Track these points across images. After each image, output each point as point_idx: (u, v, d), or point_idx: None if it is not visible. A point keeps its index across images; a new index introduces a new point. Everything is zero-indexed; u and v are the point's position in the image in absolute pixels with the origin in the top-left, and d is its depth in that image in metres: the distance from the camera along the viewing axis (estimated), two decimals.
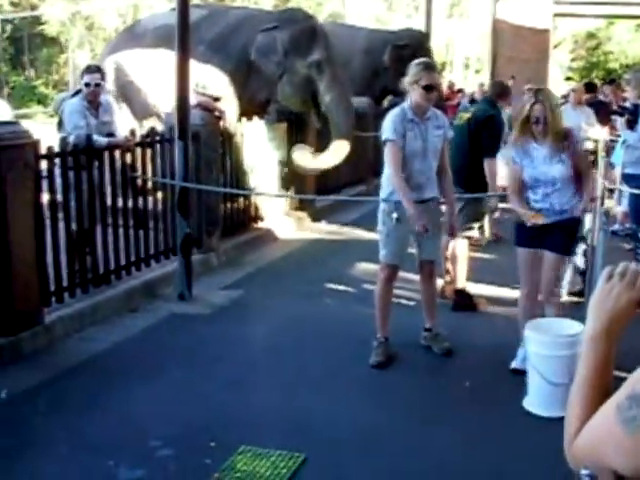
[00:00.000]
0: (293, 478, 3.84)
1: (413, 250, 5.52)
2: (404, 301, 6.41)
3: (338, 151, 9.15)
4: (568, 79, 33.23)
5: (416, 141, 5.18)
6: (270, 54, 9.39)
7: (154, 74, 9.37)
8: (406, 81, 5.25)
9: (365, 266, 7.53)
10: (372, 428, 4.40)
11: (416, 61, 5.39)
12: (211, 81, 8.91)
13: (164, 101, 9.62)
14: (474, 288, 6.72)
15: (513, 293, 6.66)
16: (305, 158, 9.20)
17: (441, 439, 4.30)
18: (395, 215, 5.18)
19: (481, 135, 6.31)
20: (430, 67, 5.26)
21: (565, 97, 12.13)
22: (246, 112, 9.30)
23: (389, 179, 5.26)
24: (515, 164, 5.02)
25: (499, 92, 6.98)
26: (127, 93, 9.48)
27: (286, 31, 9.39)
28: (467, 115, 6.58)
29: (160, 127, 7.99)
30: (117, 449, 4.15)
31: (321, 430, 4.37)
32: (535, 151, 4.91)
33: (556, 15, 23.18)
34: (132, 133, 7.19)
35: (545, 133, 4.83)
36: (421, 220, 5.05)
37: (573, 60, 39.96)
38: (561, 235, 4.95)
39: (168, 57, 9.73)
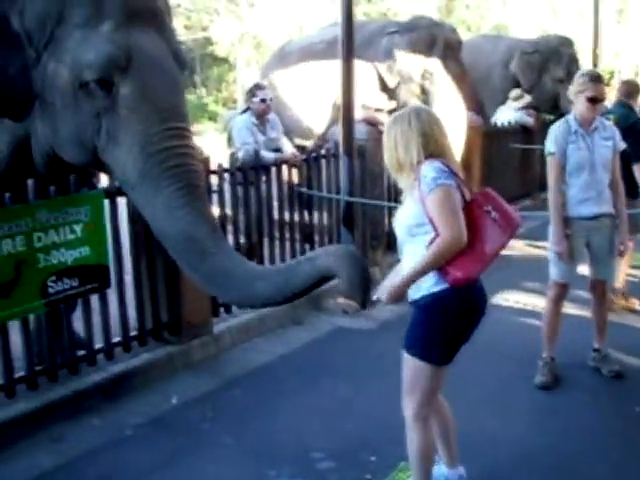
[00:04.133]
0: None
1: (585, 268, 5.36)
2: (572, 320, 6.20)
3: None
4: None
5: (582, 153, 5.02)
6: (388, 59, 9.36)
7: (304, 90, 9.59)
8: (571, 91, 5.13)
9: (531, 283, 7.35)
10: (536, 450, 4.28)
11: (582, 71, 5.29)
12: (372, 92, 8.95)
13: (314, 116, 9.80)
14: None
15: None
16: None
17: (609, 466, 4.12)
18: (567, 232, 5.04)
19: (628, 142, 6.01)
20: (596, 78, 5.08)
21: None
22: None
23: None
24: None
25: (629, 90, 6.70)
26: (280, 110, 9.74)
27: (405, 36, 9.37)
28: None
29: (310, 142, 8.12)
30: (278, 459, 4.24)
31: (483, 450, 4.27)
32: None
33: None
34: (299, 149, 7.34)
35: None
36: (561, 245, 4.98)
37: None
38: (409, 323, 3.53)
39: (315, 71, 9.94)
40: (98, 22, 3.99)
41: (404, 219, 3.44)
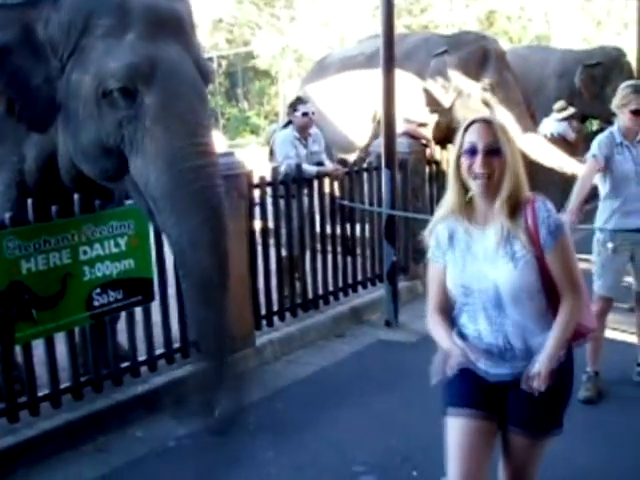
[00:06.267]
0: None
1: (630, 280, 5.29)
2: (616, 334, 6.12)
3: None
4: None
5: (628, 165, 4.99)
6: (441, 80, 9.28)
7: (342, 101, 9.56)
8: (614, 104, 5.09)
9: None
10: (583, 467, 4.22)
11: (625, 83, 5.22)
12: (415, 107, 8.93)
13: (355, 129, 9.77)
14: None
15: None
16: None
17: None
18: (611, 245, 4.99)
19: None
20: None
21: None
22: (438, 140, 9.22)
23: (602, 203, 5.14)
24: (436, 262, 2.93)
25: None
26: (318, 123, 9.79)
27: (455, 55, 9.28)
28: None
29: (351, 156, 8.13)
30: (320, 472, 4.25)
31: None
32: (475, 236, 2.84)
33: None
34: (341, 162, 7.36)
35: (490, 189, 2.77)
36: (573, 215, 4.92)
37: None
38: (533, 400, 2.79)
39: (354, 82, 9.90)
40: (122, 33, 3.96)
41: (525, 277, 2.71)
